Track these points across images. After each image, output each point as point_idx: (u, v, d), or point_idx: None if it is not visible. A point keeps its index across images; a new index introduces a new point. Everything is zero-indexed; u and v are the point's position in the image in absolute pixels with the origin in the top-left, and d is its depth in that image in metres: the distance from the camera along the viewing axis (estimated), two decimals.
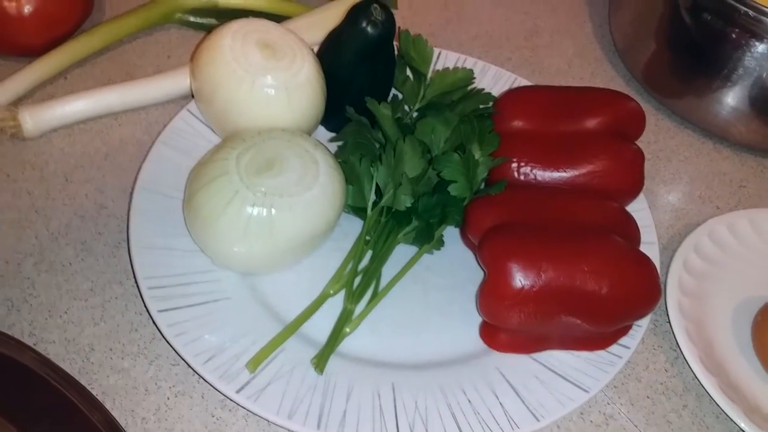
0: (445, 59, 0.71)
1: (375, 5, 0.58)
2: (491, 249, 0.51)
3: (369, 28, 0.58)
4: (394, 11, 0.79)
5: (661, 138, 0.73)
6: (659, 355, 0.57)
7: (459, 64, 0.70)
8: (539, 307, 0.50)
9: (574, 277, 0.49)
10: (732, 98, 0.67)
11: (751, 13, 0.60)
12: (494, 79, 0.70)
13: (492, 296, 0.51)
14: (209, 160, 0.53)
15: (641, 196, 0.60)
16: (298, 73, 0.57)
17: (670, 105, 0.74)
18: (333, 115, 0.62)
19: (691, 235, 0.60)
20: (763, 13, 0.59)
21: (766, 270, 0.61)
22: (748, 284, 0.60)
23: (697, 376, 0.52)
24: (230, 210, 0.50)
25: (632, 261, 0.50)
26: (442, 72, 0.62)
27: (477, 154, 0.56)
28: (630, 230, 0.54)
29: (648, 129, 0.72)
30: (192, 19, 0.76)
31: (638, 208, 0.60)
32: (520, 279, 0.49)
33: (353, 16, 0.58)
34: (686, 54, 0.69)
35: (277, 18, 0.75)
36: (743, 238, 0.62)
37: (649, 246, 0.58)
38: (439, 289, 0.57)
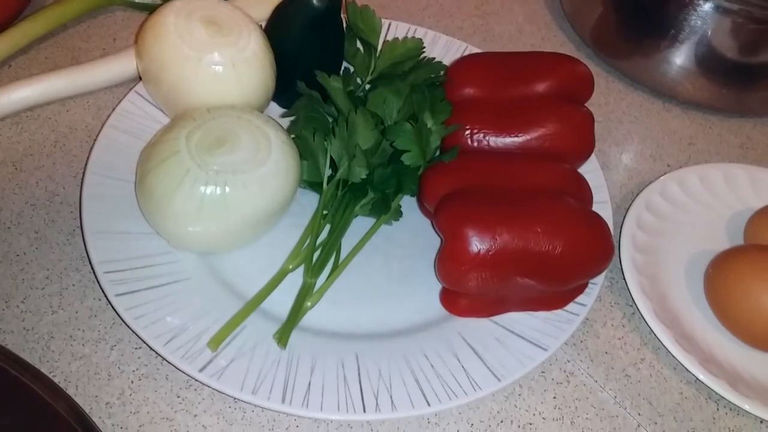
0: (395, 30, 0.71)
1: None
2: (447, 216, 0.51)
3: (314, 1, 0.57)
4: None
5: (611, 100, 0.74)
6: (616, 312, 0.58)
7: (409, 35, 0.70)
8: (496, 270, 0.50)
9: (528, 239, 0.49)
10: (679, 57, 0.68)
11: None
12: (445, 48, 0.70)
13: (450, 262, 0.51)
14: (159, 140, 0.53)
15: (593, 157, 0.61)
16: (245, 48, 0.57)
17: (619, 67, 0.75)
18: (285, 91, 0.62)
19: (643, 193, 0.62)
20: None
21: (716, 224, 0.63)
22: (699, 238, 0.61)
23: (653, 329, 0.54)
24: (183, 190, 0.50)
25: (584, 221, 0.51)
26: (391, 43, 0.62)
27: (429, 123, 0.56)
28: (582, 191, 0.54)
29: (598, 91, 0.73)
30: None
31: (590, 169, 0.61)
32: (476, 244, 0.49)
33: None
34: (632, 15, 0.70)
35: None
36: (693, 194, 0.63)
37: (602, 205, 0.59)
38: (399, 258, 0.58)
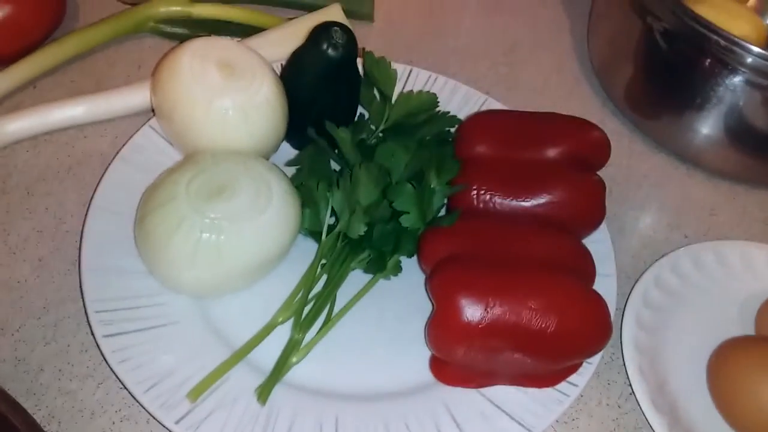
0: (416, 77, 0.69)
1: (336, 28, 0.57)
2: (440, 281, 0.50)
3: (330, 51, 0.57)
4: (370, 24, 0.79)
5: (633, 162, 0.71)
6: (613, 390, 0.56)
7: (430, 83, 0.69)
8: (486, 342, 0.49)
9: (521, 314, 0.48)
10: (705, 126, 0.65)
11: (722, 42, 0.58)
12: (464, 100, 0.68)
13: (439, 329, 0.50)
14: (161, 183, 0.53)
15: (603, 226, 0.59)
16: (257, 93, 0.56)
17: (644, 127, 0.72)
18: (298, 133, 0.62)
19: (652, 268, 0.59)
20: (733, 43, 0.58)
21: (728, 306, 0.59)
22: (709, 320, 0.58)
23: (646, 415, 0.51)
24: (178, 236, 0.50)
25: (582, 300, 0.50)
26: (406, 95, 0.62)
27: (434, 182, 0.55)
28: (585, 265, 0.53)
29: (620, 152, 0.71)
30: (165, 28, 0.75)
31: (599, 239, 0.59)
32: (467, 313, 0.48)
33: (314, 37, 0.58)
34: (660, 78, 0.68)
35: (253, 29, 0.74)
36: (708, 272, 0.61)
37: (607, 279, 0.57)
38: (392, 314, 0.57)
